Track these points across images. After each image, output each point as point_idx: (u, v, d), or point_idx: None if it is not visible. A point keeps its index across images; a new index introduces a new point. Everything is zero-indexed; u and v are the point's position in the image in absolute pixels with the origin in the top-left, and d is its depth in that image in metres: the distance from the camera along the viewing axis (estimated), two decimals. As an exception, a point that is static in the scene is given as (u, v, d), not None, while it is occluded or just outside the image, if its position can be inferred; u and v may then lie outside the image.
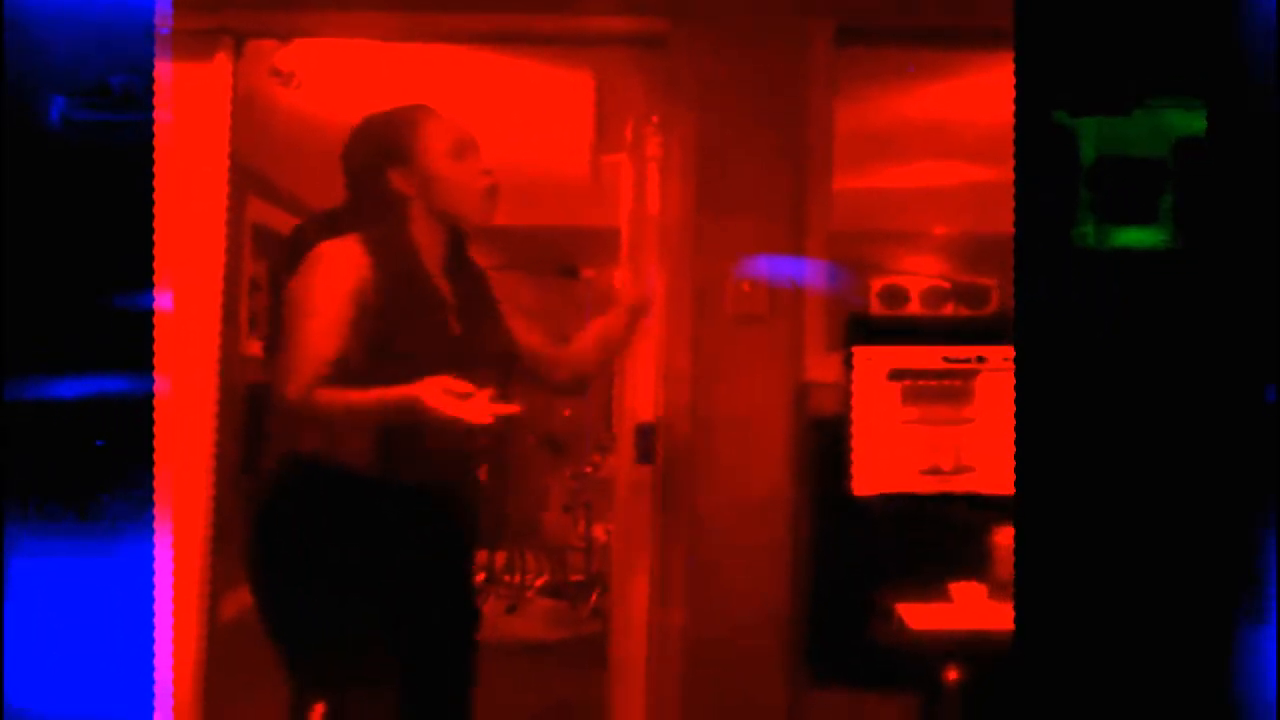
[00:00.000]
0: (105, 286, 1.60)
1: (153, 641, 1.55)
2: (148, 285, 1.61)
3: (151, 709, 1.54)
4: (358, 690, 1.84)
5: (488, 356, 2.00)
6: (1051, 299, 1.59)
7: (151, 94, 1.62)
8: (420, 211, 1.97)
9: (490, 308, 2.10)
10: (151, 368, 1.59)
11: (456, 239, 2.05)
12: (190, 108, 2.72)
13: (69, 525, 1.53)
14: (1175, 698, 1.56)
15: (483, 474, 2.06)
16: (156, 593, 1.55)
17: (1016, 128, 1.60)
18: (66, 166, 1.61)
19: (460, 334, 1.97)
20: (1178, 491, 1.57)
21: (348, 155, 2.01)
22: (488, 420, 1.69)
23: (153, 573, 1.55)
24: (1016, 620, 1.58)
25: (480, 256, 2.14)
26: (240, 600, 3.79)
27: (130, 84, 1.62)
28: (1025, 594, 1.58)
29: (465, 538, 2.12)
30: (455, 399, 1.67)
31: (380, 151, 1.98)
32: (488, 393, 1.71)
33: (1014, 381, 1.58)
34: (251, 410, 4.61)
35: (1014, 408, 1.57)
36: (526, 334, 2.18)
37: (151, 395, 1.58)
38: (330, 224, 1.97)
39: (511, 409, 1.74)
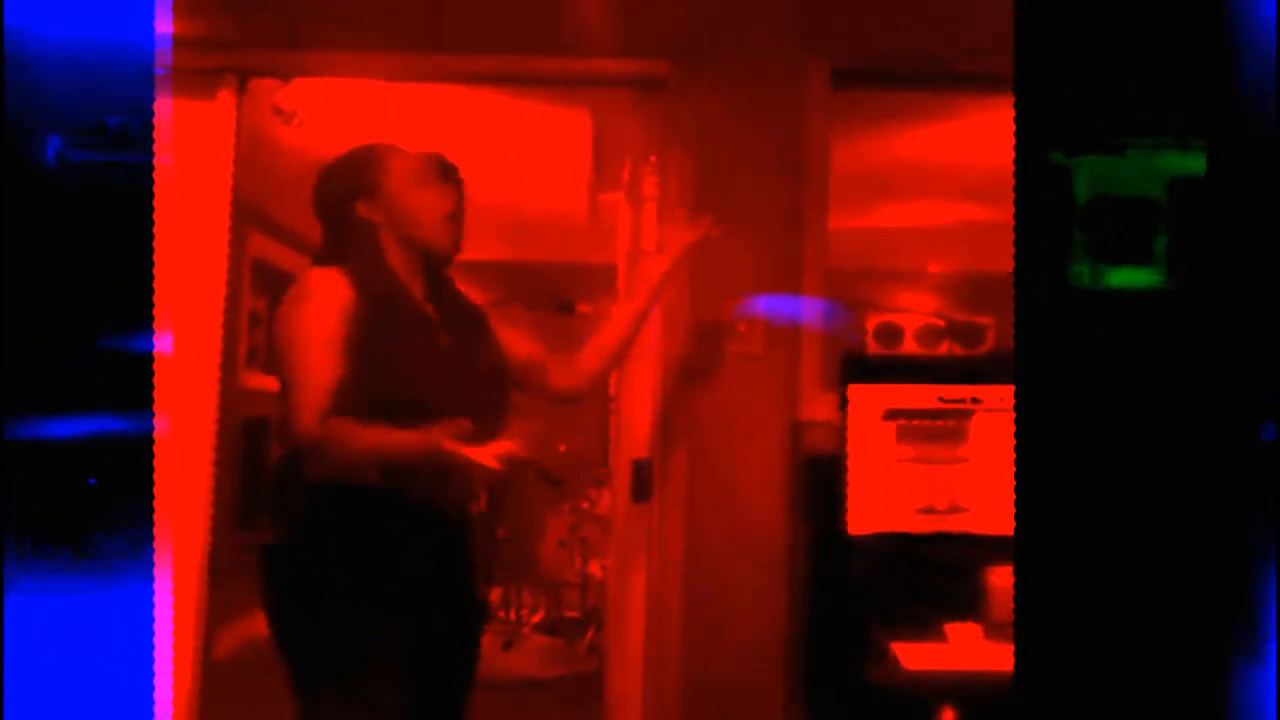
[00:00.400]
0: (102, 326, 1.61)
1: (150, 679, 1.55)
2: (146, 325, 1.61)
3: (146, 747, 1.54)
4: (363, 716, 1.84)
5: (480, 369, 2.04)
6: (1049, 337, 1.59)
7: (149, 134, 1.63)
8: (391, 240, 2.02)
9: (477, 321, 2.13)
10: (149, 407, 1.59)
11: (433, 266, 2.08)
12: (194, 146, 2.75)
13: (65, 563, 1.54)
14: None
15: (473, 509, 2.05)
16: (155, 630, 1.55)
17: (1016, 167, 1.61)
18: (62, 206, 1.62)
19: (449, 346, 2.00)
20: (1177, 531, 1.57)
21: (318, 194, 2.08)
22: (494, 464, 1.69)
23: (150, 611, 1.55)
24: (1016, 661, 1.58)
25: (477, 291, 2.16)
26: (235, 637, 3.76)
27: (126, 124, 1.63)
28: (1024, 633, 1.58)
29: (474, 566, 2.11)
30: (466, 443, 1.70)
31: (347, 187, 2.04)
32: (506, 443, 1.73)
33: (1014, 419, 1.59)
34: (249, 443, 4.61)
35: (1013, 446, 1.58)
36: (518, 344, 2.20)
37: (149, 434, 1.58)
38: (313, 262, 2.03)
39: (518, 450, 1.74)
